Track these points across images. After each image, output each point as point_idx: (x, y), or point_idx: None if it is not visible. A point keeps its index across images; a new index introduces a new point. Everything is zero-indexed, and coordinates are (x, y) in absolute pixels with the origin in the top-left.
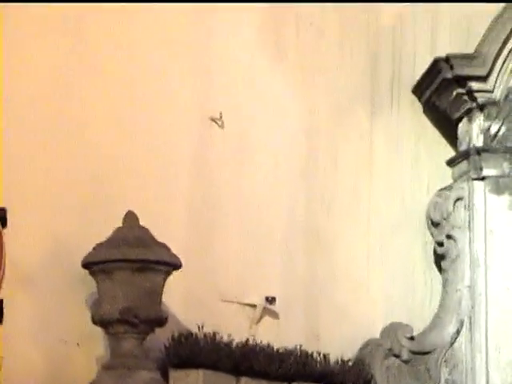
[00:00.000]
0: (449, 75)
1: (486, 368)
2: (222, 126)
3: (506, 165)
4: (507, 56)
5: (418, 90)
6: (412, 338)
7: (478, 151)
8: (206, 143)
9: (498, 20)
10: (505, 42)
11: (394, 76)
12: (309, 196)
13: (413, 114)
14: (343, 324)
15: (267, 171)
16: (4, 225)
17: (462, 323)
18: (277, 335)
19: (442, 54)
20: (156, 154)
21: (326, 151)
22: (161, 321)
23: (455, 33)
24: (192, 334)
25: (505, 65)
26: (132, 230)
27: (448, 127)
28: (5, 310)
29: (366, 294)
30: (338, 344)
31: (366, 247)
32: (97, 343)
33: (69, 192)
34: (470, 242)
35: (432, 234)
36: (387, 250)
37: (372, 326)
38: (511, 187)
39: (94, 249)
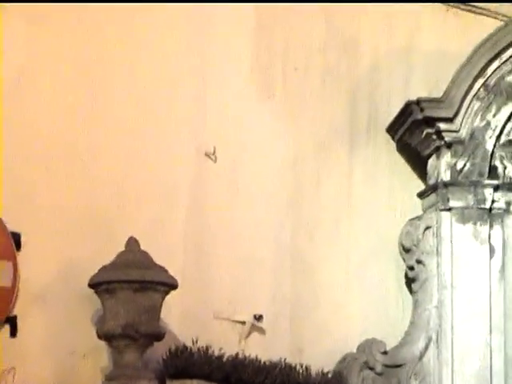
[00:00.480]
0: (419, 117)
1: (452, 380)
2: (215, 161)
3: (470, 197)
4: (472, 99)
5: (392, 129)
6: (385, 353)
7: (446, 185)
8: (201, 176)
9: (465, 66)
10: (470, 87)
11: (371, 116)
12: (294, 224)
13: (387, 151)
14: (324, 340)
15: (256, 201)
16: (18, 248)
17: (430, 339)
18: (264, 349)
19: (414, 97)
20: (156, 186)
21: (310, 183)
22: (159, 335)
23: (426, 78)
24: (187, 347)
25: (470, 107)
26: (133, 254)
27: (418, 163)
28: (18, 325)
29: (344, 313)
30: (318, 357)
31: (344, 271)
32: (101, 355)
33: (77, 219)
34: (437, 266)
35: (404, 259)
36: (364, 273)
37: (349, 342)
38: (475, 217)
39: (99, 270)
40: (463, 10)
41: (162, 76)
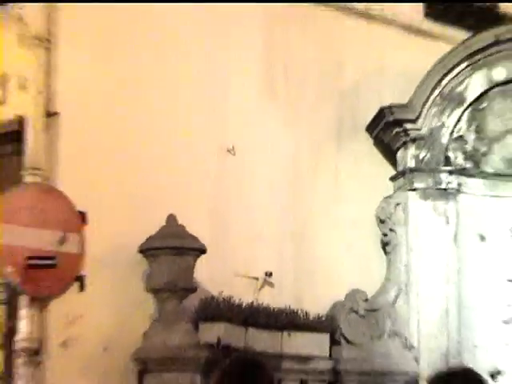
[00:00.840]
0: (390, 119)
1: (418, 321)
2: (234, 154)
3: (430, 180)
4: (430, 105)
5: (370, 129)
6: (366, 300)
7: (411, 171)
8: (223, 166)
9: (425, 79)
10: (429, 96)
11: (353, 120)
12: (295, 203)
13: (366, 146)
14: (319, 291)
15: (264, 185)
16: (85, 223)
17: (400, 290)
18: (273, 299)
19: (386, 104)
20: (191, 175)
21: (307, 172)
22: (192, 289)
23: (396, 89)
24: (214, 298)
25: (429, 111)
26: (172, 227)
27: (390, 154)
28: (85, 283)
29: (335, 270)
30: (315, 305)
31: (335, 238)
32: (149, 305)
33: (130, 201)
34: (405, 234)
35: (380, 229)
36: (350, 240)
37: (339, 292)
38: (434, 195)
39: (147, 240)
40: (424, 36)
41: (193, 91)
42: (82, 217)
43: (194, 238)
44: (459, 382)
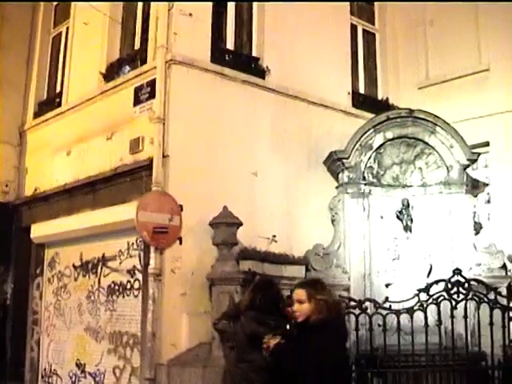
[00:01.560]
0: (335, 157)
1: (349, 259)
2: (256, 176)
3: (355, 188)
4: (356, 150)
5: (325, 162)
6: (324, 248)
7: (345, 183)
8: (251, 182)
9: (353, 136)
10: (355, 145)
11: (317, 157)
12: (288, 202)
13: (323, 172)
14: (301, 241)
15: (272, 192)
16: (182, 210)
17: (340, 243)
18: (277, 249)
19: (333, 149)
20: (236, 186)
21: (293, 185)
22: (236, 243)
23: (339, 141)
24: (247, 248)
25: (355, 153)
26: (225, 212)
27: (335, 175)
28: (183, 240)
29: (310, 233)
30: (298, 251)
31: (310, 218)
32: (214, 252)
33: (206, 200)
34: (343, 216)
35: (330, 213)
36: (318, 219)
37: (310, 244)
38: (357, 196)
39: (213, 218)
40: (352, 116)
41: (240, 146)
42: (181, 207)
43: (236, 218)
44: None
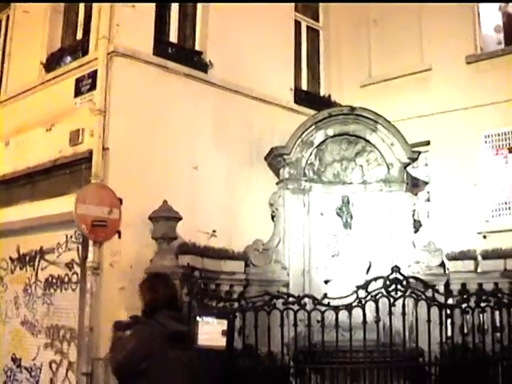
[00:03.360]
0: (276, 153)
1: (289, 255)
2: (197, 170)
3: (295, 184)
4: (297, 146)
5: (266, 158)
6: (263, 244)
7: (286, 179)
8: (192, 175)
9: (294, 133)
10: (296, 141)
11: (258, 153)
12: (228, 197)
13: (264, 167)
14: (241, 238)
15: (212, 186)
16: (121, 203)
17: (280, 239)
18: (216, 244)
19: (275, 145)
20: (176, 179)
21: (235, 179)
22: (175, 238)
23: (281, 138)
24: (186, 242)
25: (297, 149)
26: (165, 206)
27: (276, 171)
28: (121, 234)
29: (250, 228)
30: (238, 246)
31: (250, 213)
32: (154, 246)
33: (146, 193)
34: (283, 211)
35: (271, 208)
36: (257, 214)
37: (250, 240)
38: (298, 192)
39: (152, 212)
40: (294, 112)
41: (182, 139)
42: (120, 200)
43: (176, 212)
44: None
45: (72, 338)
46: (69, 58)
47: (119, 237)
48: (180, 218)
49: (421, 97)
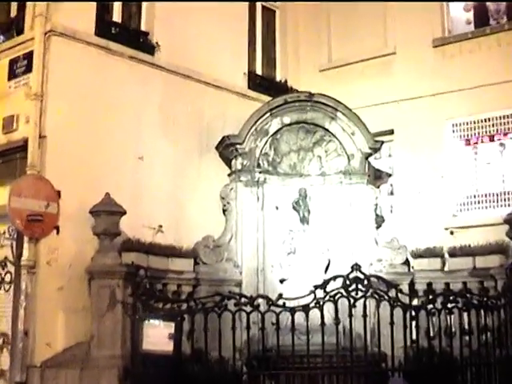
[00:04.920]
0: (228, 142)
1: (241, 252)
2: (143, 160)
3: (249, 176)
4: (250, 135)
5: (218, 148)
6: (214, 241)
7: (239, 171)
8: (137, 166)
9: (248, 121)
10: (249, 130)
11: (208, 142)
12: (176, 189)
13: (215, 157)
14: (190, 235)
15: (160, 176)
16: (60, 197)
17: (232, 235)
18: (163, 240)
19: (226, 133)
20: (119, 170)
21: (183, 169)
22: (118, 233)
23: (233, 125)
24: (130, 239)
25: (250, 138)
26: (107, 199)
27: (228, 162)
28: (60, 230)
29: (199, 223)
30: (187, 242)
31: (200, 207)
32: (95, 242)
33: (86, 185)
34: (235, 205)
35: (222, 202)
36: (208, 208)
37: (200, 235)
38: (251, 184)
39: (93, 206)
40: (248, 98)
41: (125, 127)
42: (58, 193)
43: (119, 206)
44: None
45: (5, 343)
46: (2, 38)
47: (57, 233)
48: (124, 213)
49: (384, 82)
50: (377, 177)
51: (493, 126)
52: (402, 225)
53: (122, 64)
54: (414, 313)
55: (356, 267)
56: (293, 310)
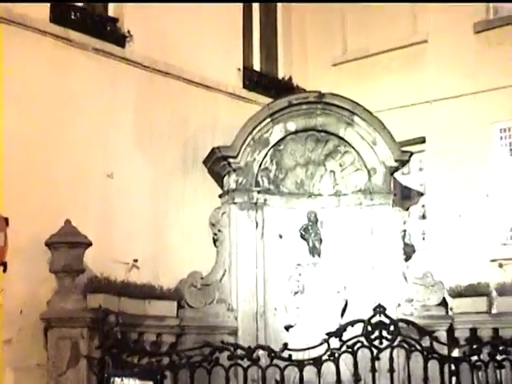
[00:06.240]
0: (219, 155)
1: (236, 292)
2: (112, 178)
3: (245, 197)
4: (246, 146)
5: (205, 162)
6: (202, 278)
7: (233, 191)
8: (107, 185)
9: (243, 128)
10: (245, 140)
11: (194, 155)
12: (155, 215)
13: (203, 174)
14: (171, 271)
15: (134, 200)
16: (7, 225)
17: (225, 271)
18: (138, 277)
19: (218, 143)
20: (82, 192)
21: (163, 191)
22: (82, 270)
23: (225, 135)
24: (97, 276)
25: (246, 149)
26: (68, 228)
27: (219, 179)
28: (8, 266)
29: (182, 256)
30: (168, 281)
31: (184, 238)
32: (52, 282)
33: (40, 210)
34: (229, 233)
35: (212, 230)
36: (194, 237)
37: (184, 272)
38: (248, 207)
39: (50, 236)
40: (243, 100)
41: (87, 135)
42: (6, 220)
43: (83, 236)
44: None
45: None
46: None
47: (4, 270)
48: (89, 244)
49: (413, 78)
50: (405, 196)
51: None
52: (438, 256)
53: (86, 58)
54: (453, 366)
55: (380, 310)
56: (301, 364)
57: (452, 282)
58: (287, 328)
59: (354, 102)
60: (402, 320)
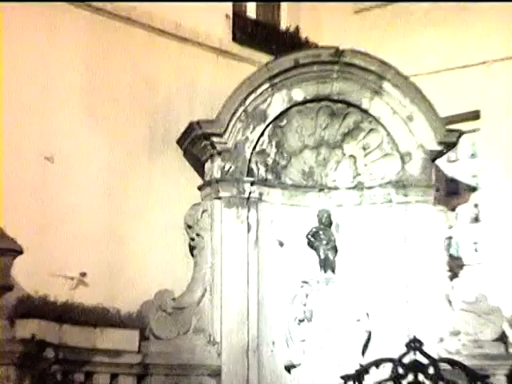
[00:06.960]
0: (199, 132)
1: (220, 318)
2: (53, 162)
3: (234, 190)
4: (236, 121)
5: (180, 141)
6: (174, 299)
7: (217, 181)
8: (43, 173)
9: (231, 97)
10: (234, 112)
11: (165, 132)
12: (110, 211)
13: (177, 157)
14: (130, 290)
15: (81, 191)
16: None
17: (205, 290)
18: (87, 297)
19: (198, 117)
20: (9, 181)
21: (121, 180)
22: (9, 287)
23: (204, 106)
24: (30, 296)
25: (234, 126)
26: None
27: (198, 165)
28: None
29: (146, 271)
30: (127, 303)
31: (148, 242)
32: None
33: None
34: (211, 239)
35: (188, 233)
36: (162, 244)
37: (149, 292)
38: (237, 203)
39: None
40: (232, 58)
41: (20, 102)
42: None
43: (12, 240)
44: None
45: None
46: None
47: None
48: (20, 252)
49: (463, 30)
50: (451, 192)
51: None
52: (495, 273)
53: None
54: None
55: (415, 345)
56: None
57: None
58: (289, 368)
59: (384, 63)
60: (444, 360)
